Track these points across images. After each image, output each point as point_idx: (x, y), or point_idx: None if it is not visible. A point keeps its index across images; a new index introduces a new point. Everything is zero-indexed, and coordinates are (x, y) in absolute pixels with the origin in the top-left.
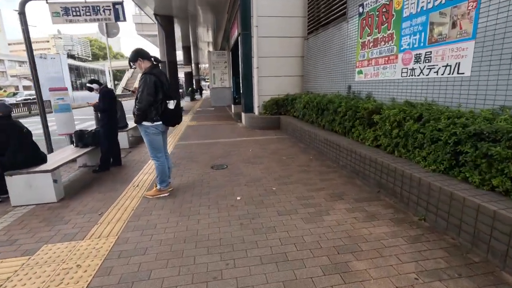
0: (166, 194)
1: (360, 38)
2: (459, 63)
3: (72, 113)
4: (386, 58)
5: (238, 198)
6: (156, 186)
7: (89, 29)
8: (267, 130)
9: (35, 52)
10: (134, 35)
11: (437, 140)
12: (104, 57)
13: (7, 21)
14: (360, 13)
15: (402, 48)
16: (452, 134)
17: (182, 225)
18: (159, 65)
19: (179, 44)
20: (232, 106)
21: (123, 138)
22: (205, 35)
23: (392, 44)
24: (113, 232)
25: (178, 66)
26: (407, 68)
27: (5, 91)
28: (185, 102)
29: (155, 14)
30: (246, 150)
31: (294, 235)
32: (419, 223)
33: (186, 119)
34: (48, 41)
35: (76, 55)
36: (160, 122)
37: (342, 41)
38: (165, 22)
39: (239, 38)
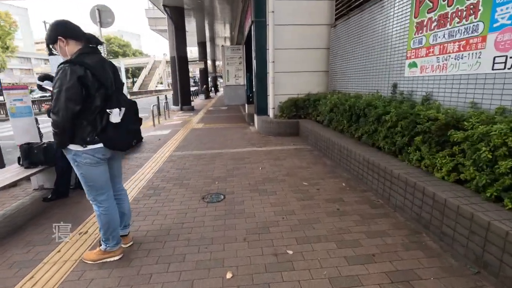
0: (115, 258)
1: (415, 18)
2: None
3: (34, 118)
4: (463, 43)
5: (229, 275)
6: (100, 245)
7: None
8: (283, 137)
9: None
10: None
11: None
12: (124, 54)
13: (33, 18)
14: None
15: (496, 25)
16: None
17: None
18: (99, 49)
19: (194, 40)
20: (246, 105)
21: None
22: (222, 30)
23: (475, 20)
24: None
25: (189, 62)
26: (505, 56)
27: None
28: (199, 100)
29: (164, 6)
30: (254, 168)
31: None
32: None
33: (193, 120)
34: None
35: None
36: (100, 145)
37: (385, 24)
38: (175, 13)
39: (252, 27)
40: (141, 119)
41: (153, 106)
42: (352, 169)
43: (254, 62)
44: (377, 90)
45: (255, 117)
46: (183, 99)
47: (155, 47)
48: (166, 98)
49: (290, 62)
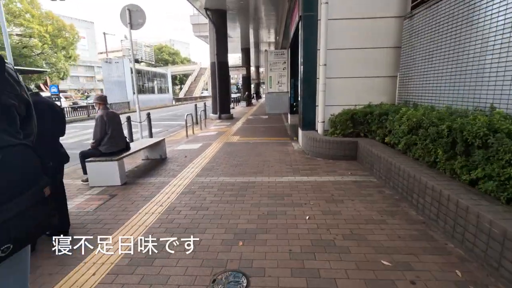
0: None
1: None
2: None
3: None
4: None
5: None
6: None
7: (162, 38)
8: (336, 161)
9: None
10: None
11: None
12: (173, 62)
13: (98, 30)
14: None
15: None
16: None
17: None
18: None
19: (238, 46)
20: (289, 115)
21: (111, 170)
22: (266, 35)
23: None
24: None
25: (231, 68)
26: None
27: (83, 93)
28: (240, 107)
29: (206, 9)
30: (298, 216)
31: None
32: None
33: (229, 131)
34: (121, 50)
35: (140, 59)
36: None
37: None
38: (217, 17)
39: (299, 24)
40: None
41: (187, 115)
42: (470, 241)
43: (300, 66)
44: (490, 104)
45: (300, 131)
46: (222, 107)
47: (203, 55)
48: (205, 105)
49: (346, 66)
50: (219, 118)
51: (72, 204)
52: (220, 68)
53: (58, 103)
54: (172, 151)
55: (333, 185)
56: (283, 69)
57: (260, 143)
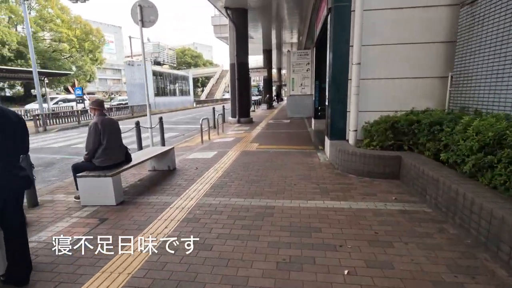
0: None
1: None
2: None
3: None
4: None
5: None
6: None
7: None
8: (374, 180)
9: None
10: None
11: None
12: (195, 65)
13: (126, 35)
14: None
15: None
16: None
17: None
18: None
19: (259, 48)
20: (313, 120)
21: (105, 187)
22: (288, 35)
23: None
24: None
25: (251, 70)
26: None
27: (109, 95)
28: (261, 110)
29: (227, 8)
30: (332, 269)
31: None
32: None
33: (248, 138)
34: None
35: (162, 62)
36: None
37: None
38: (237, 16)
39: (328, 18)
40: None
41: (202, 119)
42: None
43: (328, 65)
44: None
45: (327, 141)
46: (241, 110)
47: (225, 58)
48: (223, 108)
49: (384, 65)
50: (238, 122)
51: (52, 231)
52: (240, 69)
53: (81, 105)
54: (183, 160)
55: (375, 216)
56: (307, 71)
57: (281, 152)
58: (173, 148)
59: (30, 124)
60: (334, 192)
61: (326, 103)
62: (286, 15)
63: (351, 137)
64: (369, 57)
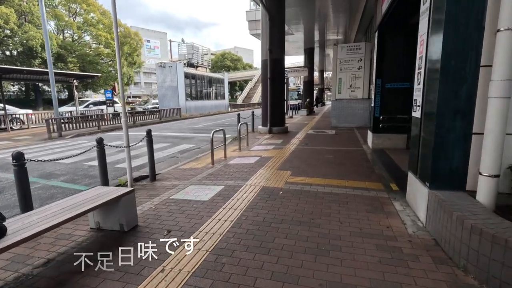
0: None
1: None
2: None
3: None
4: None
5: None
6: None
7: (226, 45)
8: None
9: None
10: (255, 37)
11: None
12: (235, 68)
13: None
14: None
15: None
16: None
17: None
18: None
19: (301, 46)
20: (370, 134)
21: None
22: (333, 30)
23: None
24: None
25: (289, 70)
26: None
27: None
28: (300, 116)
29: None
30: None
31: None
32: None
33: (277, 158)
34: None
35: (195, 64)
36: None
37: None
38: (272, 3)
39: None
40: None
41: (213, 132)
42: None
43: (432, 44)
44: None
45: (422, 188)
46: (274, 118)
47: None
48: (252, 115)
49: None
50: (270, 132)
51: None
52: (274, 67)
53: (111, 108)
54: (160, 204)
55: None
56: (358, 69)
57: (327, 193)
58: (130, 192)
59: (42, 130)
60: None
61: (415, 114)
62: (330, 4)
63: (483, 186)
64: None
